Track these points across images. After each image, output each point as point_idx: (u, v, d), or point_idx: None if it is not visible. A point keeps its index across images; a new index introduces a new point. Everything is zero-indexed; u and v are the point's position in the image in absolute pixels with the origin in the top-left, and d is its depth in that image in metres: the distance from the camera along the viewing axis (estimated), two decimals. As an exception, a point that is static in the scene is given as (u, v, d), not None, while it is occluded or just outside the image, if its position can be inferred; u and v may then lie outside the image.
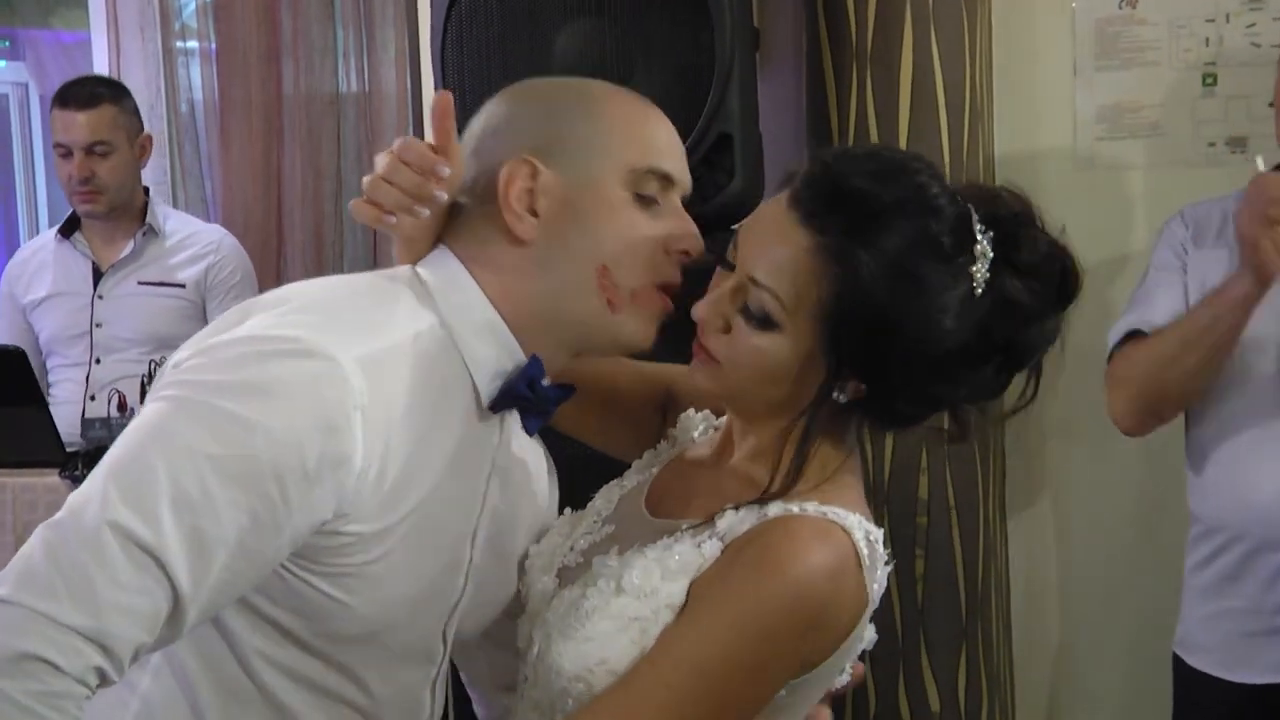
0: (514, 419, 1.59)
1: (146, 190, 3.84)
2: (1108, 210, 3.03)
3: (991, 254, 1.43)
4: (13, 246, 6.67)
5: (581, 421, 1.79)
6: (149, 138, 3.82)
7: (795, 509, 1.43)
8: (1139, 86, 3.02)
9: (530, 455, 1.69)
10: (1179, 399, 2.41)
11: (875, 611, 1.48)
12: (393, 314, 1.50)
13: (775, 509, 1.44)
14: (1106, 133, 3.04)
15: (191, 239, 3.82)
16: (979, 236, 1.43)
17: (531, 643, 1.55)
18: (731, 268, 1.49)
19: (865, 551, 1.42)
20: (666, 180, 1.55)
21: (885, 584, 1.47)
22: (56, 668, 1.24)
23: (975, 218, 1.44)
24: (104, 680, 1.28)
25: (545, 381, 1.56)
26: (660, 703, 1.37)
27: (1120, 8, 3.01)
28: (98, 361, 3.76)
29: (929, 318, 1.40)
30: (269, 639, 1.47)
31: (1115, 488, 3.08)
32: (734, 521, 1.45)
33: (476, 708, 1.87)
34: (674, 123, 1.59)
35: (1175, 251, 2.46)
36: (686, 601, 1.41)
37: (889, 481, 2.84)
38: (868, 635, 1.49)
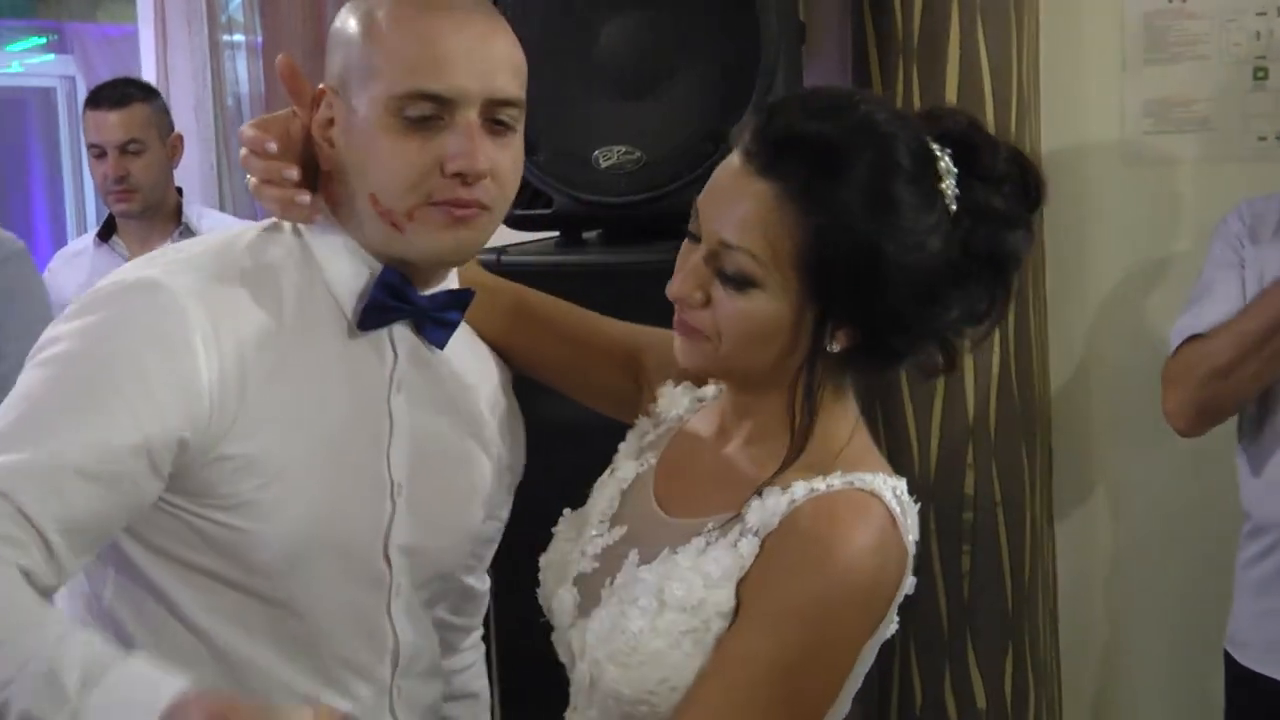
0: (415, 334, 1.59)
1: (180, 190, 3.86)
2: (1156, 205, 3.00)
3: (955, 170, 1.43)
4: (59, 238, 6.74)
5: (552, 371, 1.79)
6: (180, 137, 3.84)
7: (821, 486, 1.42)
8: (1188, 80, 2.98)
9: (461, 371, 1.67)
10: (1234, 403, 2.39)
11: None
12: (240, 246, 1.55)
13: (800, 489, 1.42)
14: (1155, 127, 3.02)
15: None
16: (939, 154, 1.43)
17: (574, 665, 1.54)
18: (696, 239, 1.47)
19: (897, 510, 1.43)
20: (437, 100, 1.47)
21: (918, 528, 1.48)
22: None
23: (929, 139, 1.44)
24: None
25: (440, 289, 1.58)
26: (746, 711, 1.38)
27: (1169, 1, 2.99)
28: None
29: (911, 241, 1.40)
30: (207, 591, 1.50)
31: (1164, 485, 3.06)
32: (763, 513, 1.43)
33: None
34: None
35: (1233, 246, 2.43)
36: (739, 606, 1.41)
37: (934, 477, 2.83)
38: (909, 581, 1.48)
